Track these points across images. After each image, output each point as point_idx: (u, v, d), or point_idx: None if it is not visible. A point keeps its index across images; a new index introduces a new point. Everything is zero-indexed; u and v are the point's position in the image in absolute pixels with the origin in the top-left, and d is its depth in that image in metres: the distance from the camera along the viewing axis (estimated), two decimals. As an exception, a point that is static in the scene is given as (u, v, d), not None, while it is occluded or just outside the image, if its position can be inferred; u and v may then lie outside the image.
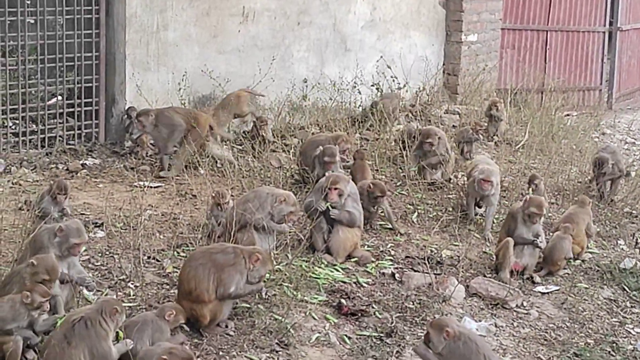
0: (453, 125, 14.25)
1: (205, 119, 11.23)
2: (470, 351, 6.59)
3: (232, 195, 9.55)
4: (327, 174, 9.56)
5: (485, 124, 13.81)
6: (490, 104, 14.20)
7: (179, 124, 10.98)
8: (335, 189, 8.90)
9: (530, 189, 10.76)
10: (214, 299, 7.23)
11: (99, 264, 8.30)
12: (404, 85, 14.40)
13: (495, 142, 13.92)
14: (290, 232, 8.76)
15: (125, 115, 11.80)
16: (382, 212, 10.03)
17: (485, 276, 9.04)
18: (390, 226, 9.98)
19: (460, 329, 6.74)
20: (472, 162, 11.08)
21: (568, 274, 9.58)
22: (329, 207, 8.91)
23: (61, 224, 7.25)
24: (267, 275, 7.67)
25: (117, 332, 6.41)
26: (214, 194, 9.18)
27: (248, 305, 7.77)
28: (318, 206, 8.91)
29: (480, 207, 10.52)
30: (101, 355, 6.09)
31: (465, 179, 10.87)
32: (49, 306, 6.53)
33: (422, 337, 6.92)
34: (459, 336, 6.60)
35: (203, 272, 7.21)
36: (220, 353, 7.10)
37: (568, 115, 16.10)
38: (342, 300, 8.17)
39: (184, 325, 7.13)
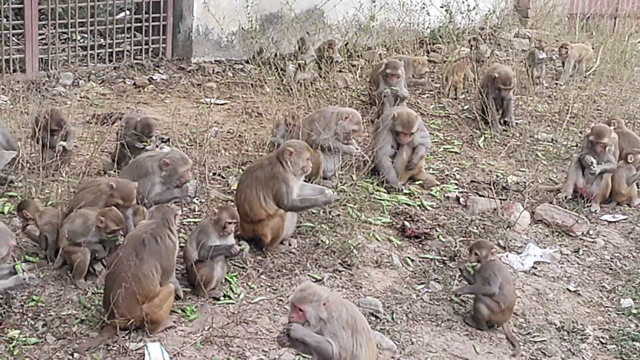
0: (523, 50, 13.99)
1: None
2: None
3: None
4: (386, 90, 10.07)
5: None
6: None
7: None
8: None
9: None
10: (274, 213, 7.25)
11: (164, 179, 8.33)
12: (474, 8, 14.11)
13: (565, 68, 13.62)
14: (356, 155, 8.69)
15: None
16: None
17: (551, 203, 8.90)
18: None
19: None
20: None
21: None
22: None
23: (165, 158, 7.07)
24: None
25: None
26: (287, 113, 9.12)
27: (312, 225, 7.79)
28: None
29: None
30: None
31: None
32: (122, 233, 6.54)
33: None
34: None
35: (251, 193, 7.24)
36: (284, 271, 7.15)
37: (641, 42, 15.71)
38: (406, 223, 8.16)
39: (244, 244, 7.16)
